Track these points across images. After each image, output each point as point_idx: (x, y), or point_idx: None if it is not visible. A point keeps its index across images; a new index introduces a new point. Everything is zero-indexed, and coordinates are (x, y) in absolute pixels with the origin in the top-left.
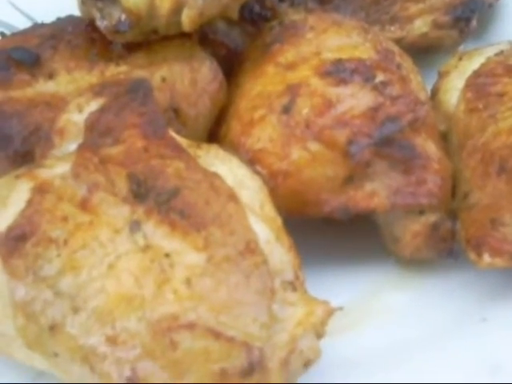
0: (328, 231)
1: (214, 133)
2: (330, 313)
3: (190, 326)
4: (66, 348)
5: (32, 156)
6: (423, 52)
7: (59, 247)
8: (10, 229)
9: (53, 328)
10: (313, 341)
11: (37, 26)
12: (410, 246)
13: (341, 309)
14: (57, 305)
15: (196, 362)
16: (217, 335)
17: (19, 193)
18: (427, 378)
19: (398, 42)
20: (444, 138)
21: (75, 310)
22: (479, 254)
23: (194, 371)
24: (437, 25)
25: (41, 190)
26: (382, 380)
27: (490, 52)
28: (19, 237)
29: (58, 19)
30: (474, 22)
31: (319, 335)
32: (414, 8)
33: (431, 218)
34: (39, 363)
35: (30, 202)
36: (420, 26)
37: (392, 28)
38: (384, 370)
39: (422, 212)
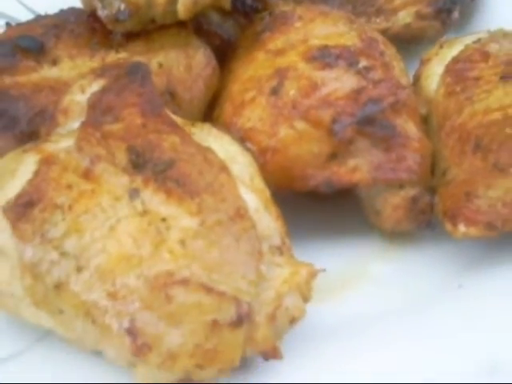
0: (315, 206)
1: (208, 115)
2: (314, 274)
3: (184, 282)
4: (71, 304)
5: (37, 136)
6: (407, 42)
7: (64, 212)
8: (19, 196)
9: (58, 286)
10: (298, 299)
11: (41, 17)
12: (390, 218)
13: (324, 270)
14: (62, 265)
15: (189, 313)
16: (208, 290)
17: (27, 165)
18: (406, 344)
19: (384, 32)
20: (425, 121)
21: (79, 269)
22: (455, 225)
23: (187, 322)
24: (420, 16)
25: (47, 161)
26: (361, 345)
27: (469, 40)
28: (27, 203)
29: (61, 11)
30: (455, 14)
31: (305, 297)
32: (398, 0)
33: (410, 192)
34: (45, 321)
35: (36, 173)
36: (404, 17)
37: (378, 20)
38: (364, 336)
39: (401, 186)
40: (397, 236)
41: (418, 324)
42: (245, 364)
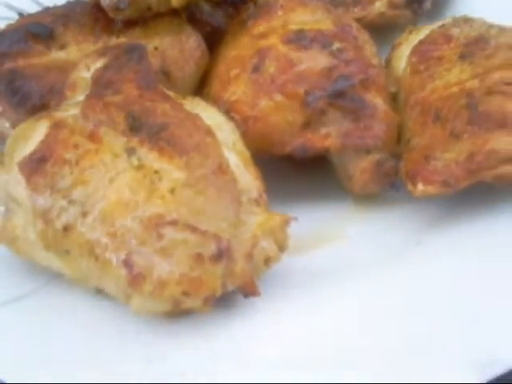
0: (294, 174)
1: (199, 93)
2: (288, 221)
3: (173, 223)
4: (77, 244)
5: (48, 110)
6: (382, 29)
7: (72, 167)
8: (32, 154)
9: (66, 229)
10: (272, 242)
11: (50, 8)
12: (359, 180)
13: (296, 219)
14: (69, 211)
15: (177, 248)
16: (193, 229)
17: (39, 129)
18: (371, 293)
19: (360, 20)
20: (395, 98)
21: (84, 214)
22: (414, 184)
23: (175, 255)
24: (392, 5)
25: (57, 126)
26: (331, 294)
27: (435, 26)
28: (39, 159)
29: (68, 2)
30: (427, 4)
31: (280, 244)
32: None
33: (376, 156)
34: (54, 262)
35: (48, 135)
36: (379, 7)
37: (355, 9)
38: (334, 285)
39: (368, 152)
40: (367, 198)
41: (385, 276)
42: (226, 304)
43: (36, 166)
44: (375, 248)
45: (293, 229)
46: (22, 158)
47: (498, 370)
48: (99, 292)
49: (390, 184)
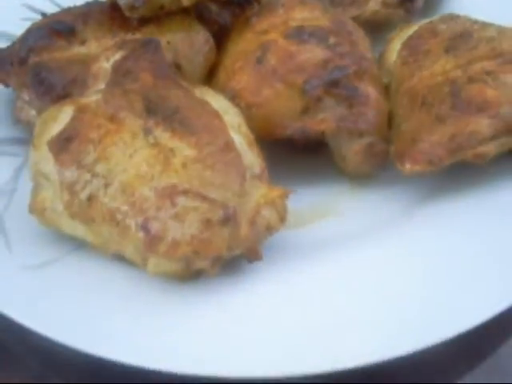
0: (292, 157)
1: (207, 84)
2: (287, 193)
3: (185, 192)
4: (99, 213)
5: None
6: (377, 27)
7: (95, 145)
8: (60, 134)
9: (90, 199)
10: (273, 211)
11: (70, 8)
12: (352, 162)
13: (296, 191)
14: (93, 183)
15: (189, 214)
16: (203, 198)
17: (65, 113)
18: (364, 263)
19: (356, 18)
20: (387, 88)
21: (106, 186)
22: (403, 164)
23: (187, 220)
24: (386, 4)
25: (81, 110)
26: (326, 263)
27: (424, 23)
28: (66, 139)
29: (87, 3)
30: (419, 3)
31: (280, 214)
32: None
33: (368, 139)
34: (79, 230)
35: (73, 118)
36: (373, 6)
37: (352, 9)
38: (325, 260)
39: (361, 135)
40: (361, 178)
41: (379, 245)
42: (232, 269)
43: (63, 144)
44: (368, 221)
45: (290, 204)
46: (50, 138)
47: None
48: (118, 258)
49: (381, 165)
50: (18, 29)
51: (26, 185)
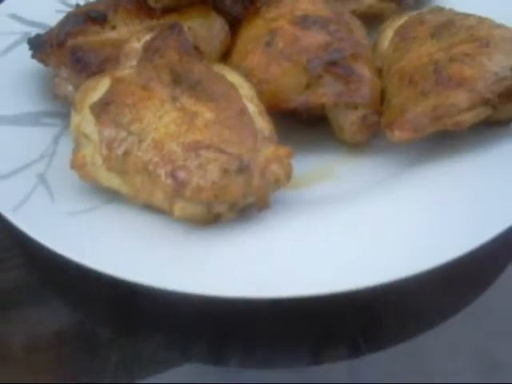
0: (296, 128)
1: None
2: (292, 153)
3: (207, 146)
4: (133, 165)
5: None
6: (372, 19)
7: (130, 108)
8: (100, 99)
9: (125, 154)
10: (280, 166)
11: None
12: (348, 131)
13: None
14: (128, 140)
15: (210, 164)
16: (222, 151)
17: (103, 83)
18: (361, 216)
19: (354, 12)
20: (380, 71)
21: (140, 142)
22: (392, 132)
23: (209, 169)
24: None
25: (117, 81)
26: (324, 216)
27: (413, 14)
28: (106, 103)
29: None
30: None
31: (286, 170)
32: None
33: (362, 111)
34: (115, 181)
35: (111, 86)
36: (369, 0)
37: (350, 2)
38: (324, 212)
39: (356, 108)
40: (356, 146)
41: (370, 203)
42: (245, 217)
43: (103, 107)
44: (362, 182)
45: (295, 168)
46: (92, 103)
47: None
48: (147, 207)
49: (373, 134)
50: (52, 20)
51: (63, 149)
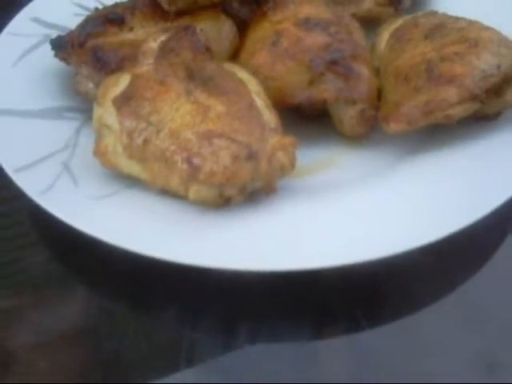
0: (300, 122)
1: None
2: (296, 143)
3: (219, 135)
4: (152, 153)
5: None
6: (370, 22)
7: (149, 101)
8: (121, 93)
9: (145, 142)
10: (285, 155)
11: (119, 3)
12: (348, 124)
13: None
14: (148, 130)
15: (222, 151)
16: (233, 140)
17: (124, 79)
18: (357, 200)
19: (353, 15)
20: (377, 71)
21: (158, 131)
22: (387, 124)
23: (221, 156)
24: (378, 3)
25: (137, 76)
26: (326, 201)
27: (408, 17)
28: (127, 97)
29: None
30: (406, 3)
31: (290, 159)
32: None
33: (360, 106)
34: (134, 168)
35: (131, 81)
36: (368, 5)
37: (350, 7)
38: (325, 197)
39: (355, 103)
40: (355, 139)
41: (368, 189)
42: (252, 202)
43: (125, 100)
44: (361, 171)
45: (298, 158)
46: (114, 96)
47: None
48: (164, 192)
49: (371, 127)
50: (71, 22)
51: (84, 140)
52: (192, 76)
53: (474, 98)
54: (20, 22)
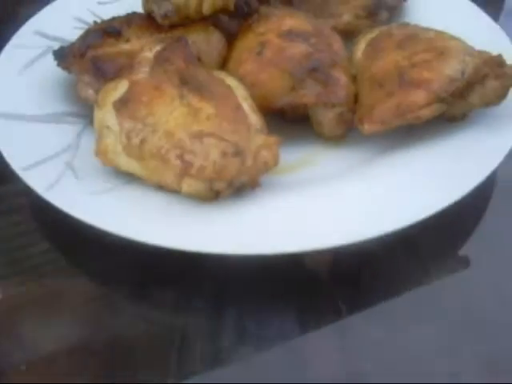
0: (283, 125)
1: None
2: (280, 141)
3: (209, 134)
4: (149, 151)
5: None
6: (349, 33)
7: (145, 105)
8: (120, 98)
9: (142, 141)
10: (268, 152)
11: (116, 17)
12: (327, 126)
13: (286, 143)
14: (144, 130)
15: (212, 149)
16: (221, 139)
17: (122, 85)
18: (335, 191)
19: (334, 28)
20: (354, 78)
21: (153, 132)
22: (362, 125)
23: (211, 153)
24: (356, 17)
25: (134, 82)
26: (304, 193)
27: (383, 28)
28: (126, 100)
29: (127, 14)
30: (383, 16)
31: (274, 156)
32: (344, 7)
33: (339, 110)
34: (132, 166)
35: (129, 87)
36: (347, 18)
37: (330, 20)
38: (305, 190)
39: (333, 106)
40: (333, 140)
41: (343, 182)
42: (238, 196)
43: (124, 103)
44: (338, 168)
45: (281, 156)
46: (113, 100)
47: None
48: (160, 188)
49: (348, 128)
50: (71, 35)
51: (86, 142)
52: (185, 82)
53: (440, 100)
54: (24, 34)
